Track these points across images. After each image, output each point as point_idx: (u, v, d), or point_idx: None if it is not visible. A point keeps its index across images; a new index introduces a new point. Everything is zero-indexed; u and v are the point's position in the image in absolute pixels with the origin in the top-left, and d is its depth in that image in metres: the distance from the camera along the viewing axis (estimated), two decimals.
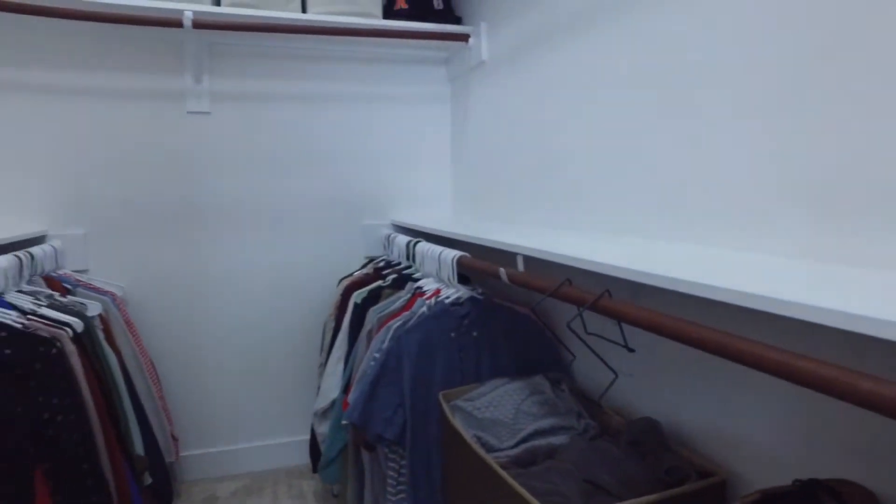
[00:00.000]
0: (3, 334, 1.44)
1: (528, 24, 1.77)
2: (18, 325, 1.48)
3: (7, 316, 1.49)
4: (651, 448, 1.09)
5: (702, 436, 1.11)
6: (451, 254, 1.52)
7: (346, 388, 1.74)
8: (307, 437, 2.20)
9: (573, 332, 0.95)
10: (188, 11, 1.89)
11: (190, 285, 2.24)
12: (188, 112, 2.20)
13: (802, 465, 0.90)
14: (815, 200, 0.85)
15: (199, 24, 1.92)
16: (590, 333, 1.02)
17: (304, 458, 2.26)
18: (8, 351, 1.43)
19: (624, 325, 0.93)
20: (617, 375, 0.99)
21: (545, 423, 1.22)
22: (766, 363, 0.61)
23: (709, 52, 1.05)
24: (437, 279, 1.62)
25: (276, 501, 2.14)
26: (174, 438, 2.18)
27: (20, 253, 1.73)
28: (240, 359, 2.33)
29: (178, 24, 1.89)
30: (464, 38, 2.19)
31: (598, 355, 0.96)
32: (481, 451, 1.09)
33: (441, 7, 2.28)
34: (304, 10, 2.09)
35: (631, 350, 0.95)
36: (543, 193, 1.70)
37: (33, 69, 2.02)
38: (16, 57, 2.00)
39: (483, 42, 2.09)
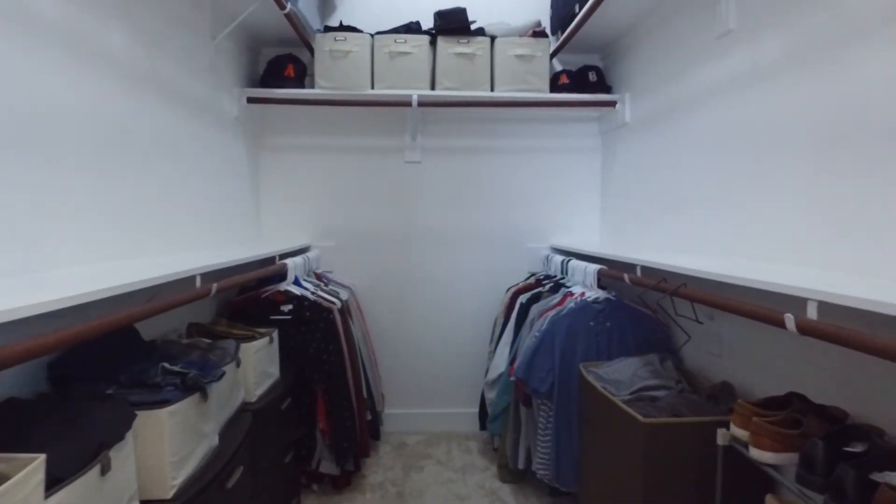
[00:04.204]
0: (306, 303, 2.33)
1: (660, 99, 2.34)
2: (312, 299, 2.38)
3: (306, 292, 2.40)
4: (724, 400, 1.60)
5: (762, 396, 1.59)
6: (593, 267, 2.13)
7: (510, 365, 2.40)
8: (474, 409, 2.89)
9: (663, 309, 1.52)
10: (415, 95, 2.76)
11: (400, 286, 3.09)
12: (405, 161, 3.08)
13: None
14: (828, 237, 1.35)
15: (422, 103, 2.78)
16: (679, 315, 1.57)
17: (470, 426, 2.94)
18: (308, 313, 2.32)
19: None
20: (690, 337, 1.54)
21: (651, 382, 1.77)
22: (762, 315, 1.15)
23: (777, 133, 1.57)
24: (583, 285, 2.23)
25: (449, 451, 2.85)
26: (382, 395, 3.01)
27: (304, 255, 2.67)
28: (430, 344, 3.12)
29: (408, 104, 2.77)
30: (612, 104, 2.80)
31: (678, 323, 1.52)
32: (602, 390, 1.68)
33: (595, 80, 2.92)
34: (492, 90, 2.85)
35: (700, 322, 1.49)
36: (665, 225, 2.24)
37: (310, 136, 3.04)
38: (303, 128, 3.03)
39: (627, 108, 2.69)
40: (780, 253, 1.54)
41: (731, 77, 1.81)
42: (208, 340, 1.74)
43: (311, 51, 2.84)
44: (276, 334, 2.07)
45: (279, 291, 2.37)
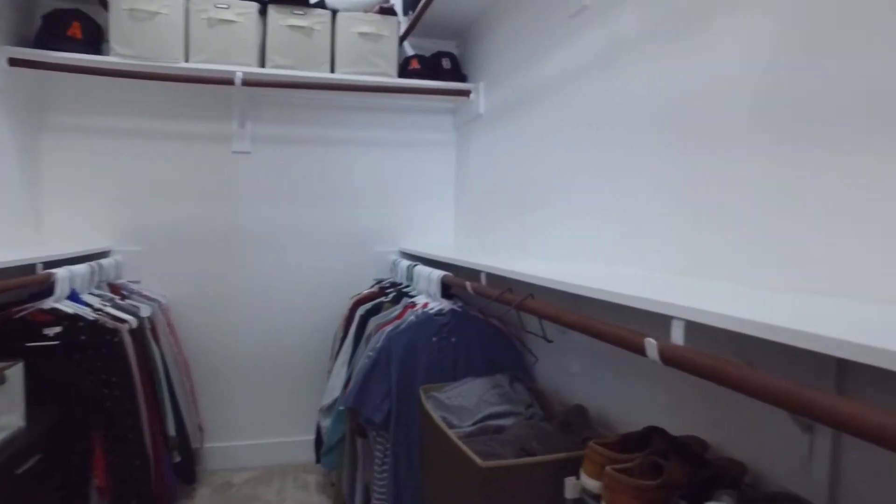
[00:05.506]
0: (80, 324, 1.81)
1: (515, 87, 2.13)
2: (91, 318, 1.85)
3: (83, 310, 1.87)
4: (577, 427, 1.38)
5: (619, 419, 1.39)
6: (437, 273, 1.85)
7: (346, 386, 2.05)
8: (313, 436, 2.49)
9: (511, 325, 1.26)
10: (239, 72, 2.32)
11: (224, 298, 2.61)
12: (233, 152, 2.61)
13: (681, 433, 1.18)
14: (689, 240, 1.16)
15: (248, 83, 2.34)
16: (527, 331, 1.33)
17: (310, 456, 2.54)
18: (83, 337, 1.80)
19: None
20: (537, 359, 1.30)
21: (499, 409, 1.51)
22: (613, 337, 0.91)
23: (629, 130, 1.38)
24: (428, 295, 1.94)
25: (282, 490, 2.43)
26: (200, 429, 2.52)
27: (92, 263, 2.12)
28: (262, 364, 2.67)
29: (230, 82, 2.32)
30: (466, 93, 2.57)
31: (524, 343, 1.27)
32: (440, 422, 1.39)
33: (449, 67, 2.67)
34: (332, 71, 2.49)
35: (549, 341, 1.26)
36: (523, 224, 2.03)
37: (112, 116, 2.47)
38: (97, 106, 2.45)
39: (482, 98, 2.47)
40: (647, 256, 1.35)
41: (585, 58, 1.62)
42: None
43: (107, 6, 2.28)
44: (19, 369, 1.54)
45: (42, 310, 1.82)
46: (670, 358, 0.75)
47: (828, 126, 0.88)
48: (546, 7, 1.87)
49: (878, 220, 0.80)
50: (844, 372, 0.84)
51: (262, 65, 2.45)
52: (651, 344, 0.78)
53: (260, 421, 2.68)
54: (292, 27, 2.45)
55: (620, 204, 1.43)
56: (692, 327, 0.78)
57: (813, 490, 0.87)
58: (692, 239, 1.18)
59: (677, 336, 0.77)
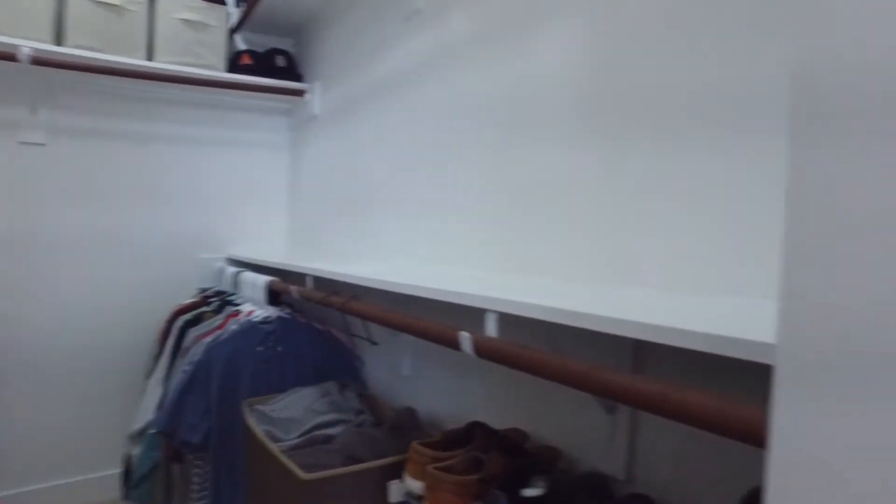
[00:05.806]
0: None
1: (350, 88, 2.10)
2: None
3: None
4: (407, 430, 1.36)
5: (448, 417, 1.40)
6: (263, 279, 1.73)
7: (160, 407, 1.84)
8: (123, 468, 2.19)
9: (343, 332, 1.21)
10: (26, 48, 1.98)
11: (7, 317, 2.19)
12: (20, 142, 2.22)
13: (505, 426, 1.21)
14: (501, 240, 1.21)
15: (38, 61, 2.00)
16: (353, 335, 1.28)
17: (118, 491, 2.23)
18: None
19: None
20: (363, 363, 1.26)
21: (327, 418, 1.45)
22: (435, 335, 0.90)
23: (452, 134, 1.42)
24: (254, 302, 1.81)
25: None
26: None
27: None
28: (59, 393, 2.28)
29: (12, 58, 1.97)
30: (300, 93, 2.47)
31: (353, 350, 1.22)
32: (262, 437, 1.29)
33: (284, 65, 2.55)
34: (150, 58, 2.24)
35: (374, 343, 1.23)
36: (358, 228, 1.99)
37: None
38: None
39: (316, 98, 2.39)
40: (477, 255, 1.38)
41: (419, 60, 1.63)
42: None
43: None
44: None
45: None
46: (483, 350, 0.76)
47: (636, 125, 0.96)
48: (381, 9, 1.87)
49: (684, 216, 0.88)
50: (641, 354, 0.92)
51: (59, 42, 2.13)
52: (465, 337, 0.79)
53: (54, 460, 2.28)
54: (100, 3, 2.17)
55: (451, 204, 1.46)
56: (506, 319, 0.79)
57: (615, 466, 0.93)
58: (518, 237, 1.23)
59: (491, 328, 0.78)
